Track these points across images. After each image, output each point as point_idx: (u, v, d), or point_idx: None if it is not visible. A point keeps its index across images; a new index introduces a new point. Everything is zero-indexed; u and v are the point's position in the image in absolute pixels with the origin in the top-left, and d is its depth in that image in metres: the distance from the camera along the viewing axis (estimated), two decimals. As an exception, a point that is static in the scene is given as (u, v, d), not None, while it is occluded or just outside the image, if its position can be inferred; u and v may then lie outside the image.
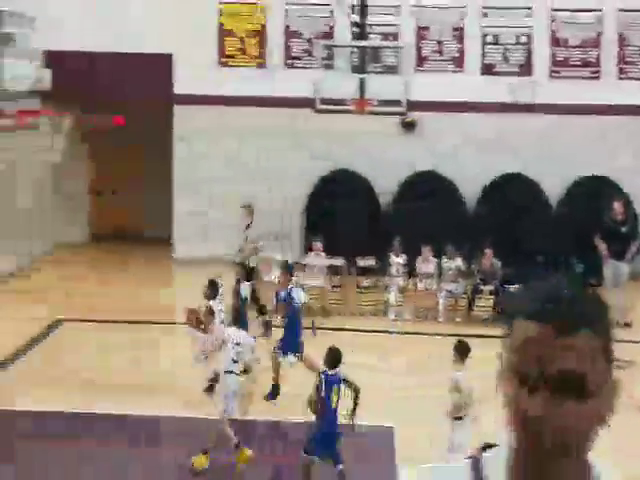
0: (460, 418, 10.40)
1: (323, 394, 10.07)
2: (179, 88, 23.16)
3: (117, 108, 23.68)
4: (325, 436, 10.06)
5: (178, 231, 23.39)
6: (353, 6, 20.69)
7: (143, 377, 14.15)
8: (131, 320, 17.36)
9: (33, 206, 22.55)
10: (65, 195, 24.31)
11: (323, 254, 19.06)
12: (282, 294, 13.62)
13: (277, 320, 14.54)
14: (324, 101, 21.11)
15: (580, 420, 2.23)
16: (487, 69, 23.30)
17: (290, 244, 20.29)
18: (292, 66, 23.25)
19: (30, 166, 21.89)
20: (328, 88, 20.92)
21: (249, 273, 16.72)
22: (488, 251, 18.59)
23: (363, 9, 20.23)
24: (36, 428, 12.35)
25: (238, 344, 11.45)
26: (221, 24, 23.37)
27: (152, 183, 24.90)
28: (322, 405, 10.07)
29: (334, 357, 10.43)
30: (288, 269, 14.00)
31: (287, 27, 23.34)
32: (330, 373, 10.26)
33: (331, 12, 23.04)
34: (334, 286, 19.04)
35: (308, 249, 19.66)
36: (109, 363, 14.88)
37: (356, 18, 20.50)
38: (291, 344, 13.30)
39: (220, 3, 23.25)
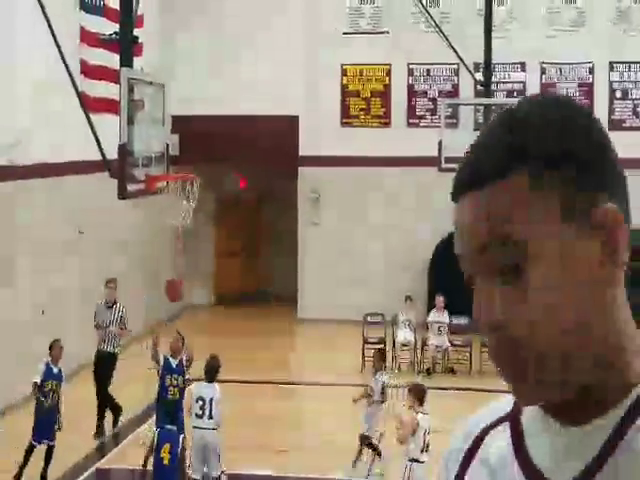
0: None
1: None
2: (304, 149, 23.40)
3: (243, 170, 24.11)
4: None
5: (303, 291, 23.50)
6: (478, 64, 20.65)
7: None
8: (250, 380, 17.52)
9: (161, 268, 22.98)
10: (191, 257, 24.72)
11: (445, 311, 18.85)
12: None
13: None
14: (449, 160, 21.06)
15: (532, 310, 1.42)
16: (615, 124, 22.90)
17: (416, 304, 20.10)
18: (416, 125, 23.29)
19: (160, 230, 22.35)
20: (453, 146, 20.87)
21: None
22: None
23: (488, 66, 20.16)
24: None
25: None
26: (344, 85, 23.59)
27: (277, 244, 25.16)
28: None
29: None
30: None
31: (411, 86, 23.43)
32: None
33: (455, 71, 23.04)
34: (459, 345, 18.81)
35: (432, 307, 19.50)
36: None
37: (481, 76, 20.45)
38: None
39: (344, 64, 23.49)
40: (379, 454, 12.80)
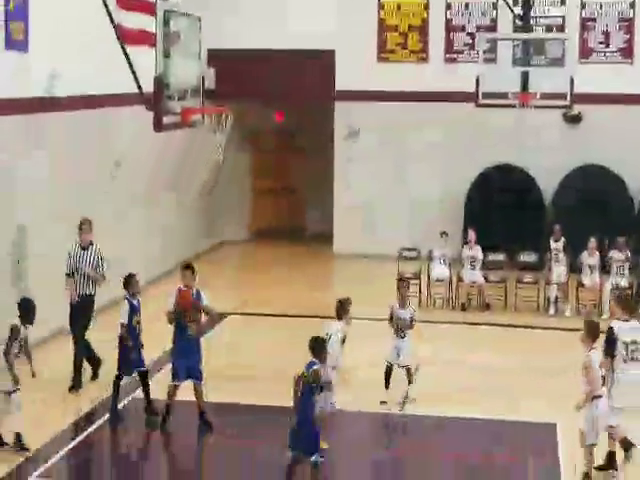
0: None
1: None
2: (340, 84, 23.28)
3: (278, 105, 24.04)
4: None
5: (338, 227, 23.53)
6: (516, -2, 20.41)
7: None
8: (292, 314, 17.63)
9: (197, 204, 23.09)
10: (226, 193, 24.82)
11: (478, 247, 18.77)
12: None
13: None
14: (486, 95, 20.87)
15: None
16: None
17: (451, 240, 20.04)
18: (453, 60, 23.08)
19: (195, 165, 22.43)
20: (490, 82, 20.67)
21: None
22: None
23: (527, 1, 19.89)
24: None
25: None
26: (382, 19, 23.38)
27: (313, 179, 25.16)
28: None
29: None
30: None
31: (449, 20, 23.18)
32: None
33: (494, 4, 22.76)
34: (494, 281, 18.79)
35: (465, 242, 19.43)
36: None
37: (519, 10, 20.18)
38: None
39: (381, -2, 23.29)
40: (411, 381, 12.93)
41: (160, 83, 12.63)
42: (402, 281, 14.37)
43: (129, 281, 12.64)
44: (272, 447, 10.73)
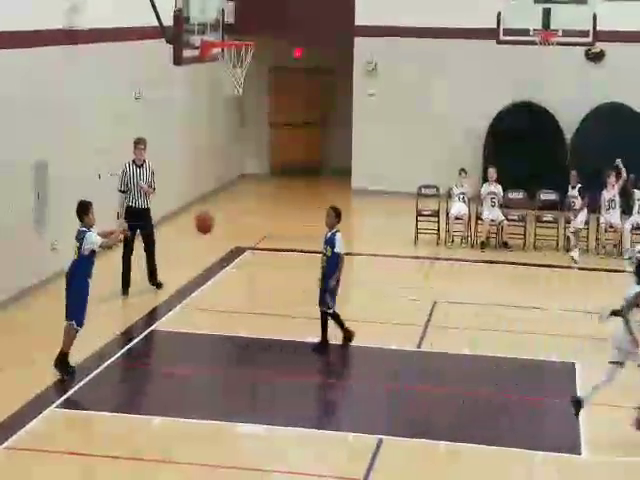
0: None
1: None
2: (360, 19, 23.06)
3: (299, 40, 23.83)
4: None
5: (357, 162, 23.45)
6: None
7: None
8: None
9: (217, 139, 23.05)
10: (246, 127, 24.76)
11: (498, 184, 18.65)
12: None
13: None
14: (507, 32, 20.65)
15: None
16: None
17: (471, 177, 19.94)
18: (475, -4, 22.80)
19: (214, 99, 22.36)
20: (512, 19, 20.45)
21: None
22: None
23: None
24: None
25: None
26: (403, -47, 23.08)
27: (333, 115, 25.05)
28: None
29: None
30: None
31: (471, -45, 22.86)
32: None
33: (517, -62, 22.41)
34: (513, 220, 18.71)
35: (485, 180, 19.31)
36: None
37: (542, -55, 19.88)
38: None
39: None
40: None
41: (180, 17, 12.58)
42: None
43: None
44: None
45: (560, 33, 20.20)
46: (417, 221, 18.63)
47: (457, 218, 18.69)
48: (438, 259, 17.74)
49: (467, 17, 22.22)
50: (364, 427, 10.18)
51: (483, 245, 18.33)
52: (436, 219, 18.65)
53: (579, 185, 18.20)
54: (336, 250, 12.40)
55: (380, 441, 9.75)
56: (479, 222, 18.55)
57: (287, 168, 25.01)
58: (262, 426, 10.10)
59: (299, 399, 11.06)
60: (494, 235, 18.54)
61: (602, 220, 18.16)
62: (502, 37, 20.63)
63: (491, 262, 17.50)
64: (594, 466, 9.39)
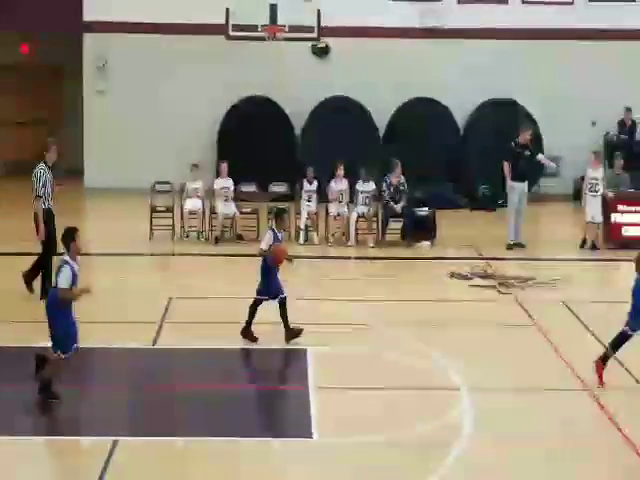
0: None
1: None
2: (89, 15, 22.77)
3: (25, 35, 23.29)
4: None
5: (89, 162, 23.17)
6: None
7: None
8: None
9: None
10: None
11: (230, 179, 18.96)
12: None
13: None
14: (236, 27, 20.99)
15: None
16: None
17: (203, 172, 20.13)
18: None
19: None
20: (240, 14, 20.80)
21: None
22: (397, 166, 18.56)
23: None
24: None
25: None
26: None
27: (62, 114, 24.63)
28: None
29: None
30: None
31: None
32: None
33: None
34: (247, 212, 19.06)
35: (217, 174, 19.56)
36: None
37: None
38: None
39: None
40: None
41: None
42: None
43: None
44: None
45: (287, 28, 20.75)
46: (151, 218, 18.67)
47: (191, 213, 18.85)
48: (174, 255, 17.85)
49: (198, 13, 22.41)
50: (98, 430, 10.08)
51: (217, 239, 18.57)
52: (170, 215, 18.75)
53: (315, 181, 18.85)
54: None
55: (115, 442, 9.71)
56: (213, 216, 18.78)
57: (17, 168, 24.34)
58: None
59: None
60: (228, 229, 18.83)
61: (331, 210, 18.82)
62: (231, 33, 20.98)
63: (226, 255, 17.74)
64: (324, 448, 9.75)
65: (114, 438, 9.77)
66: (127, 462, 9.44)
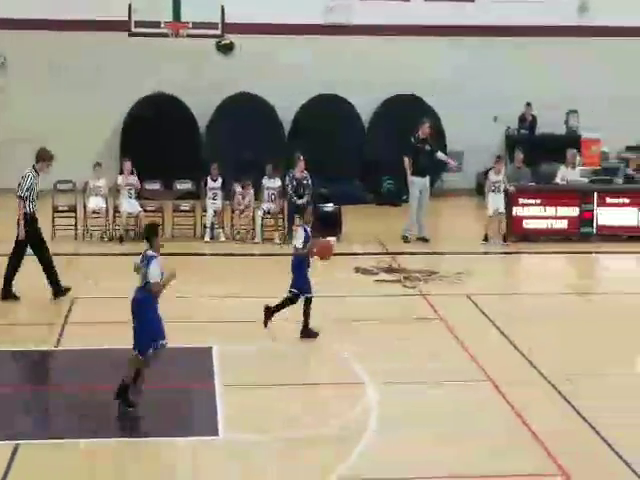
0: None
1: None
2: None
3: None
4: None
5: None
6: None
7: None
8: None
9: None
10: None
11: (134, 176, 18.77)
12: None
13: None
14: (139, 24, 20.81)
15: None
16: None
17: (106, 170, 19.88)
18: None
19: None
20: (143, 10, 20.62)
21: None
22: (300, 160, 18.59)
23: None
24: None
25: None
26: None
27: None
28: None
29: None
30: None
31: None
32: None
33: None
34: (151, 210, 18.90)
35: (120, 172, 19.32)
36: None
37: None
38: None
39: None
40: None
41: None
42: None
43: None
44: None
45: (190, 25, 20.65)
46: (53, 217, 18.38)
47: (95, 212, 18.62)
48: (77, 255, 17.61)
49: (101, 9, 22.13)
50: None
51: (122, 239, 18.36)
52: (73, 214, 18.50)
53: (220, 178, 18.78)
54: None
55: (16, 446, 9.54)
56: (117, 215, 18.58)
57: None
58: None
59: None
60: (133, 227, 18.64)
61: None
62: (134, 29, 20.80)
63: (130, 254, 17.51)
64: (230, 445, 9.72)
65: (16, 442, 9.60)
66: (29, 467, 9.28)
